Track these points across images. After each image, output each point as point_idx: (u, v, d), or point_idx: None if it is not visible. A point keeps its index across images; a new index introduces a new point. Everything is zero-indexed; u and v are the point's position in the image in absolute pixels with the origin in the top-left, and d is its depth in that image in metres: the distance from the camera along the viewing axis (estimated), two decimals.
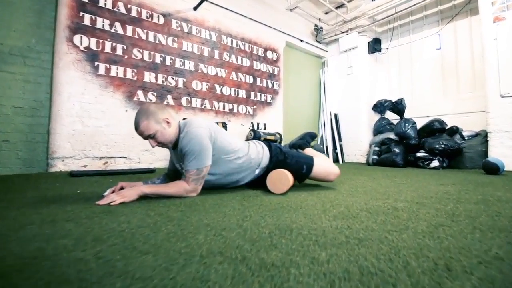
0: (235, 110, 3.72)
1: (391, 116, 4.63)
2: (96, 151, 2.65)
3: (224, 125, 3.28)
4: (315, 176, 1.61)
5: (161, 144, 1.35)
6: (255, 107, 3.96)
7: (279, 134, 3.90)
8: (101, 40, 2.68)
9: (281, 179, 1.44)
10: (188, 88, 3.28)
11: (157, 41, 3.05)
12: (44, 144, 2.52)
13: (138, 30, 2.92)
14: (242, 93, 3.81)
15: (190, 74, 3.31)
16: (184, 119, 1.77)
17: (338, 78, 5.09)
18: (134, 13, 2.89)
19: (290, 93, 4.62)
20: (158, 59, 3.05)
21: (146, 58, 2.96)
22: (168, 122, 1.33)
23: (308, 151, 1.93)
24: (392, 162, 3.58)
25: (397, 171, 2.96)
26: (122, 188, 1.35)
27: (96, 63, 2.65)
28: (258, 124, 3.98)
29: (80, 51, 2.58)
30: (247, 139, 3.54)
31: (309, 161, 1.59)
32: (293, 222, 0.85)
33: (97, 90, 2.65)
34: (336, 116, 4.94)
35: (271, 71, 4.21)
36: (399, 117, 4.27)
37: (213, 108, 3.51)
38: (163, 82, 3.08)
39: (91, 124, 2.62)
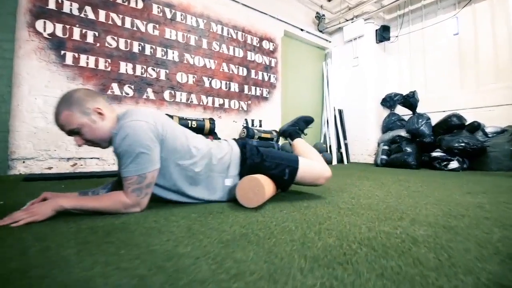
0: (226, 105, 3.37)
1: (402, 111, 4.19)
2: (63, 151, 2.33)
3: (212, 122, 2.93)
4: (301, 181, 1.27)
5: (90, 142, 1.00)
6: (249, 102, 3.60)
7: (276, 131, 3.54)
8: (68, 26, 2.36)
9: (253, 188, 1.08)
10: (171, 81, 2.95)
11: (135, 28, 2.71)
12: (5, 143, 2.22)
13: (113, 15, 2.59)
14: (234, 87, 3.46)
15: (174, 65, 2.97)
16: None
17: (342, 71, 4.68)
18: None
19: (290, 86, 4.24)
20: (136, 48, 2.72)
21: (122, 46, 2.63)
22: (100, 114, 0.98)
23: (298, 144, 1.54)
24: (403, 163, 3.16)
25: (410, 173, 2.56)
26: (45, 200, 1.01)
27: (62, 52, 2.33)
28: (253, 121, 3.61)
29: (43, 38, 2.26)
30: (240, 138, 3.18)
31: (293, 164, 1.23)
32: (239, 275, 0.49)
33: (63, 82, 2.34)
34: (340, 112, 4.53)
35: (267, 63, 3.84)
36: (411, 112, 3.84)
37: (201, 103, 3.16)
38: (142, 73, 2.75)
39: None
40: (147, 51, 2.78)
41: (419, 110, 3.75)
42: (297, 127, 1.64)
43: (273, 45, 3.93)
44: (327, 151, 4.22)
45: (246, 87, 3.57)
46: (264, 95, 3.77)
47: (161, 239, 0.69)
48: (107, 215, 0.91)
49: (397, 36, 4.39)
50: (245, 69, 3.57)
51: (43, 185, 1.68)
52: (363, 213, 1.00)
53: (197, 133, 2.75)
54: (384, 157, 3.55)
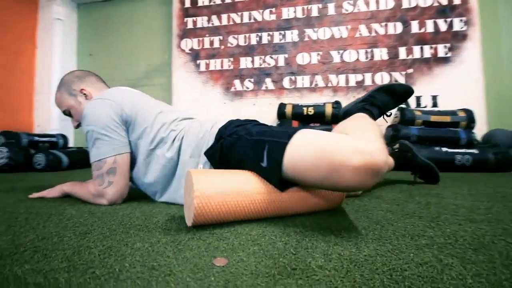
0: (368, 82, 2.45)
1: None
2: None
3: (337, 106, 2.22)
4: (300, 174, 0.59)
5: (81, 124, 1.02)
6: (409, 70, 2.39)
7: (469, 112, 2.08)
8: (200, 38, 2.78)
9: (189, 192, 0.62)
10: (291, 65, 2.60)
11: (252, 20, 2.68)
12: None
13: (233, 15, 2.72)
14: (380, 53, 2.44)
15: (294, 47, 2.60)
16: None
17: None
18: None
19: (502, 35, 2.34)
20: (254, 40, 2.67)
21: (241, 42, 2.69)
22: (85, 95, 0.96)
23: (354, 122, 0.81)
24: None
25: None
26: None
27: (198, 61, 2.78)
28: (418, 98, 2.36)
29: (186, 53, 2.82)
30: (391, 125, 2.21)
31: (281, 138, 0.64)
32: None
33: (200, 86, 2.77)
34: None
35: (444, 1, 2.36)
36: None
37: (329, 84, 2.52)
38: (260, 64, 2.65)
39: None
40: (264, 39, 2.65)
41: None
42: (368, 102, 0.91)
43: None
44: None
45: (402, 49, 2.41)
46: (441, 54, 2.35)
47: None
48: (87, 204, 0.86)
49: None
50: (398, 24, 2.43)
51: None
52: None
53: (315, 121, 2.24)
54: None
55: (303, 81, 2.57)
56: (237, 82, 2.69)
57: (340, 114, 0.95)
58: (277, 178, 0.62)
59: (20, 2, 3.02)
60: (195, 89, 2.78)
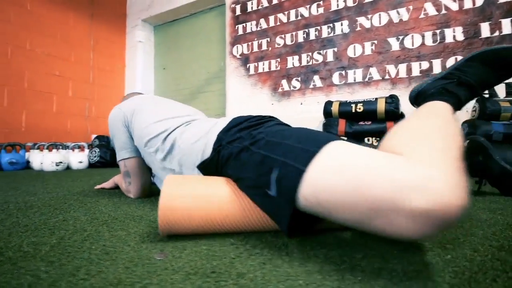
0: (436, 68, 2.04)
1: None
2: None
3: (392, 101, 1.92)
4: (324, 210, 0.41)
5: None
6: None
7: None
8: (250, 43, 2.85)
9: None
10: (341, 59, 2.39)
11: (298, 17, 2.59)
12: None
13: (279, 15, 2.69)
14: (453, 34, 2.00)
15: (344, 39, 2.39)
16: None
17: None
18: (275, 0, 2.72)
19: None
20: (301, 37, 2.58)
21: (288, 42, 2.64)
22: None
23: (416, 124, 0.50)
24: None
25: None
26: None
27: (247, 65, 2.87)
28: (508, 85, 1.83)
29: (237, 59, 2.94)
30: (466, 121, 1.81)
31: (299, 158, 0.45)
32: None
33: (249, 89, 2.85)
34: None
35: None
36: None
37: (387, 76, 2.21)
38: (307, 62, 2.54)
39: None
40: (312, 35, 2.53)
41: None
42: (454, 80, 0.63)
43: None
44: None
45: (485, 25, 1.92)
46: None
47: None
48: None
49: None
50: None
51: None
52: None
53: (366, 119, 2.02)
54: None
55: (354, 75, 2.34)
56: (284, 82, 2.65)
57: (410, 98, 0.71)
58: (287, 216, 0.46)
59: (111, 30, 3.75)
60: (244, 92, 2.87)
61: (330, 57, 2.45)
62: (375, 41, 2.26)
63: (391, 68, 2.20)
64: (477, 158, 1.04)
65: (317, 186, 0.40)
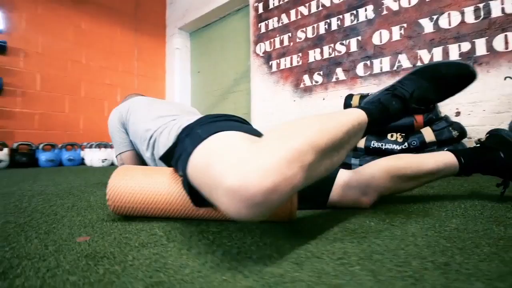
0: (480, 51, 1.71)
1: None
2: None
3: None
4: (200, 188, 0.45)
5: None
6: None
7: None
8: (272, 40, 2.81)
9: None
10: (365, 48, 2.18)
11: (320, 8, 2.45)
12: None
13: (300, 8, 2.59)
14: (502, 6, 1.64)
15: (368, 26, 2.17)
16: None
17: None
18: None
19: None
20: (322, 29, 2.43)
21: (309, 34, 2.52)
22: None
23: (300, 120, 0.49)
24: None
25: None
26: None
27: (270, 63, 2.83)
28: None
29: (260, 57, 2.93)
30: None
31: (195, 142, 0.49)
32: None
33: (271, 86, 2.81)
34: None
35: None
36: None
37: (418, 64, 1.94)
38: (329, 54, 2.38)
39: (270, 119, 2.82)
40: (334, 25, 2.37)
41: None
42: (390, 92, 0.65)
43: None
44: None
45: None
46: None
47: None
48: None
49: None
50: None
51: None
52: None
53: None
54: None
55: (381, 64, 2.11)
56: (306, 77, 2.54)
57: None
58: (187, 190, 0.52)
59: (153, 41, 4.11)
60: (267, 90, 2.84)
61: (353, 47, 2.25)
62: (404, 25, 2.00)
63: (423, 54, 1.92)
64: (497, 154, 0.85)
65: (192, 166, 0.46)
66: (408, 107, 0.65)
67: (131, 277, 0.33)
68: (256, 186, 0.33)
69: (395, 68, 2.04)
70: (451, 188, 1.02)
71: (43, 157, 2.83)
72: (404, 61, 2.00)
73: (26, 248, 0.44)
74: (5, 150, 2.67)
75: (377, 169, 0.75)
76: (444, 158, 0.79)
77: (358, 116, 0.56)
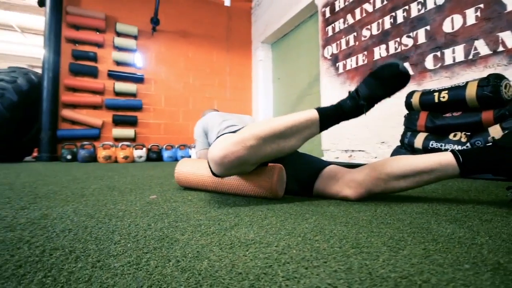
0: None
1: None
2: (342, 144, 2.84)
3: (488, 83, 1.44)
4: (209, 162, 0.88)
5: None
6: None
7: None
8: (338, 42, 2.86)
9: None
10: (435, 38, 1.98)
11: (384, 1, 2.35)
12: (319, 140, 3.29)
13: (365, 6, 2.53)
14: None
15: (438, 13, 1.95)
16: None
17: None
18: None
19: None
20: (387, 24, 2.32)
21: (374, 31, 2.44)
22: None
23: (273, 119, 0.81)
24: None
25: None
26: None
27: (337, 64, 2.88)
28: None
29: (327, 60, 3.02)
30: None
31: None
32: None
33: (338, 87, 2.86)
34: None
35: None
36: None
37: (501, 48, 1.63)
38: (395, 49, 2.26)
39: None
40: (399, 18, 2.23)
41: None
42: (349, 94, 0.79)
43: None
44: None
45: None
46: None
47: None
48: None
49: None
50: None
51: None
52: None
53: (453, 109, 1.67)
54: None
55: (453, 54, 1.87)
56: None
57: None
58: (210, 167, 0.81)
59: (241, 56, 4.77)
60: (335, 91, 2.91)
61: (421, 39, 2.08)
62: (481, 5, 1.73)
63: (506, 36, 1.61)
64: (508, 154, 0.81)
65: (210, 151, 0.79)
66: (358, 104, 0.74)
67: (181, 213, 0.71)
68: (216, 155, 0.70)
69: (470, 56, 1.79)
70: (449, 190, 0.97)
71: (165, 154, 3.89)
72: (482, 48, 1.72)
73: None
74: (144, 149, 3.84)
75: (366, 166, 0.83)
76: (440, 157, 0.77)
77: (308, 113, 0.74)
